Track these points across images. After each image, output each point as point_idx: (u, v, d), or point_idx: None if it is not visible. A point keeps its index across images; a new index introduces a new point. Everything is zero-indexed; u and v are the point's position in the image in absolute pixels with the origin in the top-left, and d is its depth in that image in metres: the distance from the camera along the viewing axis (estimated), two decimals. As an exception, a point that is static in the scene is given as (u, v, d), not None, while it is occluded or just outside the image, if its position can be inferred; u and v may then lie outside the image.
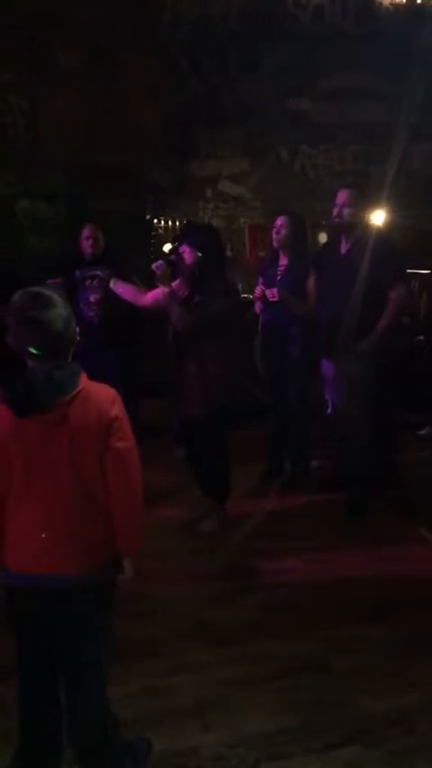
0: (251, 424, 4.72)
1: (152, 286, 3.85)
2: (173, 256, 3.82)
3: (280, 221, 4.49)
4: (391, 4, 6.37)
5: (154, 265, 3.78)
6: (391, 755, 2.36)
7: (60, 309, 1.97)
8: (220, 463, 3.96)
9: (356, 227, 4.07)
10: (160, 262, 3.78)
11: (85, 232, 5.11)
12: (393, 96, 6.32)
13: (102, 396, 2.03)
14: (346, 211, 4.04)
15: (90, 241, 5.07)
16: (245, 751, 2.38)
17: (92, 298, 4.89)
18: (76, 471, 1.98)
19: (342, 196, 4.07)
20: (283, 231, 4.47)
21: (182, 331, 3.73)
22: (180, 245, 3.85)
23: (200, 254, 3.71)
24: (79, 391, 1.98)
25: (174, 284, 3.80)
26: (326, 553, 3.64)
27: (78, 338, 2.07)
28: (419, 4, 6.38)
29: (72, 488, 1.99)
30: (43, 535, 1.98)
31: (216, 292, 3.71)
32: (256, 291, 4.53)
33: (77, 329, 2.06)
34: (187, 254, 3.75)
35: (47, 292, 1.99)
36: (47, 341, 1.97)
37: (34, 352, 1.97)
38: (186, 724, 2.50)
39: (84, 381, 2.02)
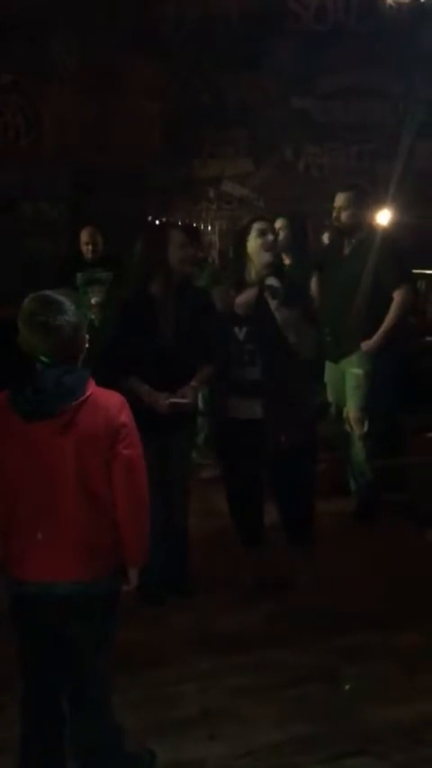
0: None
1: None
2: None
3: (278, 224, 4.47)
4: (394, 2, 6.33)
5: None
6: (401, 766, 2.33)
7: (69, 316, 1.96)
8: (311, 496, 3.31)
9: (357, 228, 4.07)
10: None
11: (84, 237, 5.09)
12: (398, 94, 6.30)
13: (110, 402, 2.03)
14: (344, 214, 4.05)
15: (89, 246, 5.07)
16: (252, 761, 2.36)
17: (93, 300, 4.87)
18: (82, 477, 1.97)
19: (340, 199, 4.07)
20: (281, 234, 4.44)
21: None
22: None
23: None
24: (87, 396, 1.97)
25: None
26: (333, 559, 3.58)
27: (87, 345, 2.05)
28: (423, 2, 6.34)
29: (78, 494, 1.97)
30: (47, 541, 1.96)
31: None
32: None
33: (87, 336, 2.05)
34: None
35: (58, 297, 1.98)
36: (55, 347, 1.96)
37: (44, 359, 1.97)
38: (192, 734, 2.48)
39: (92, 387, 2.01)
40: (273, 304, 3.03)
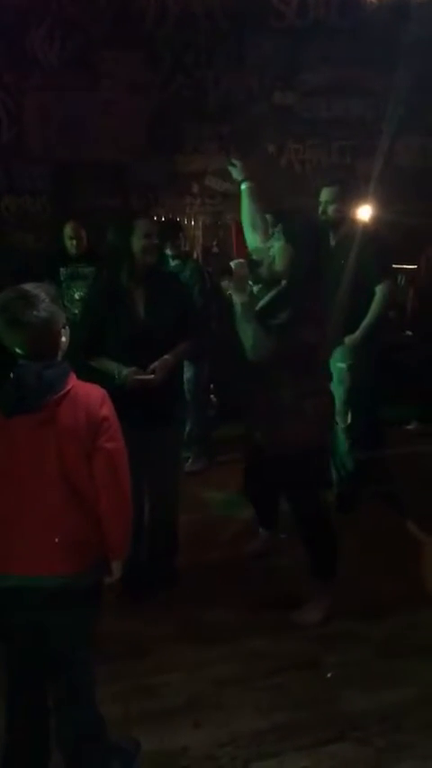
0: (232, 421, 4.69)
1: None
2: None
3: None
4: (375, -2, 6.36)
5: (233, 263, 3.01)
6: (380, 752, 2.38)
7: (39, 311, 1.93)
8: (323, 524, 3.15)
9: (342, 222, 4.09)
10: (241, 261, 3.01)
11: (68, 232, 5.09)
12: (379, 91, 6.32)
13: (91, 395, 2.02)
14: (330, 208, 4.05)
15: (74, 242, 5.08)
16: (235, 749, 2.40)
17: (76, 295, 4.87)
18: (63, 471, 1.97)
19: (326, 193, 4.09)
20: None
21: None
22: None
23: None
24: (68, 390, 1.97)
25: None
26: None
27: (64, 339, 2.05)
28: (403, -2, 6.37)
29: (60, 488, 1.97)
30: (30, 535, 1.97)
31: None
32: None
33: (67, 330, 2.04)
34: None
35: (32, 292, 1.95)
36: (26, 341, 1.96)
37: (18, 351, 1.96)
38: (176, 723, 2.51)
39: (73, 381, 2.01)
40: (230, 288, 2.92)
